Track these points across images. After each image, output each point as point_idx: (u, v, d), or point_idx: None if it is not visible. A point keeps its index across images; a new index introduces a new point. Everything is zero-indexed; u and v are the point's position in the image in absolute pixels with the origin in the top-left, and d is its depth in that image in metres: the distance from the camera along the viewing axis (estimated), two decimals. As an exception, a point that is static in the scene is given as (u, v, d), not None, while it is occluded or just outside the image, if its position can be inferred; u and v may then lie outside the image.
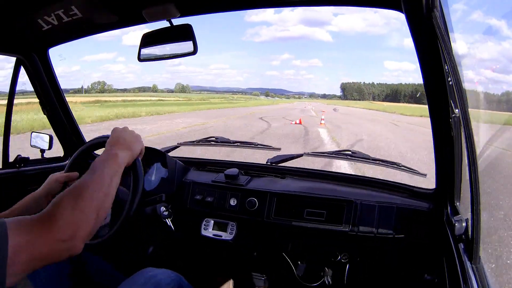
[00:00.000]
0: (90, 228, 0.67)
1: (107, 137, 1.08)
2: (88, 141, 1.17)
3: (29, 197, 1.03)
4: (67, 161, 1.15)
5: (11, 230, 0.58)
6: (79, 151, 1.17)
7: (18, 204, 1.01)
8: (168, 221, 1.39)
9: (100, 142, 1.11)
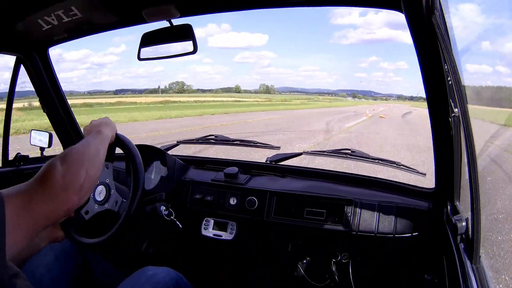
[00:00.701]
0: (80, 181, 0.72)
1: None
2: None
3: None
4: None
5: (6, 196, 0.60)
6: None
7: None
8: (174, 219, 1.38)
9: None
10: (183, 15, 1.19)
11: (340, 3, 1.12)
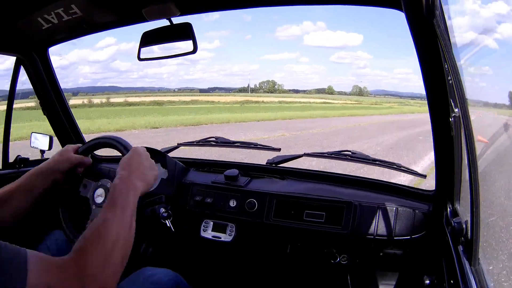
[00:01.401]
0: (119, 273, 0.66)
1: (120, 142, 1.05)
2: (104, 137, 1.12)
3: (34, 172, 0.98)
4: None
5: (33, 269, 0.54)
6: (99, 141, 1.12)
7: (25, 178, 0.97)
8: (168, 222, 1.38)
9: (113, 144, 1.07)
10: (183, 13, 1.19)
11: (340, 1, 1.12)
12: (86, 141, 1.66)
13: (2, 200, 0.92)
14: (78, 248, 0.63)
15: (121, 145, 1.05)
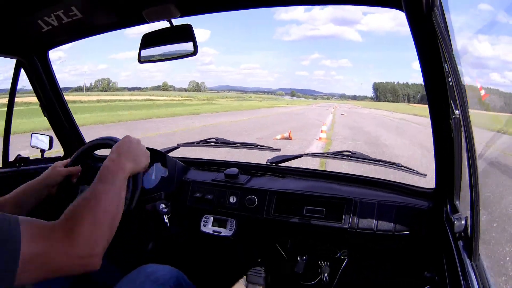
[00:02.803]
0: (107, 243, 0.68)
1: (110, 139, 1.08)
2: (93, 140, 1.17)
3: (27, 186, 1.01)
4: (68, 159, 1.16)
5: (25, 234, 0.56)
6: (84, 147, 1.17)
7: (15, 192, 0.99)
8: (165, 218, 1.40)
9: (105, 143, 1.11)
10: (183, 14, 1.19)
11: (338, 1, 1.12)
12: (86, 141, 1.67)
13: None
14: (67, 214, 0.65)
15: (111, 141, 1.08)
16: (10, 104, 1.60)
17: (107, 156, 0.89)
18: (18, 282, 0.54)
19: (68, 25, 1.24)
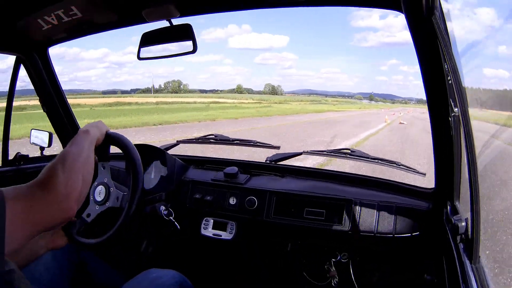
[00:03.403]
0: (79, 189, 0.74)
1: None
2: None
3: None
4: None
5: (8, 198, 0.61)
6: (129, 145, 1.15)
7: None
8: (172, 219, 1.38)
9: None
10: (183, 14, 1.19)
11: (340, 3, 1.12)
12: None
13: None
14: (44, 174, 0.71)
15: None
16: (10, 101, 1.61)
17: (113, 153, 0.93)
18: (9, 248, 0.58)
19: (68, 24, 1.25)
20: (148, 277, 1.03)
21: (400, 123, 19.84)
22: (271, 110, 32.01)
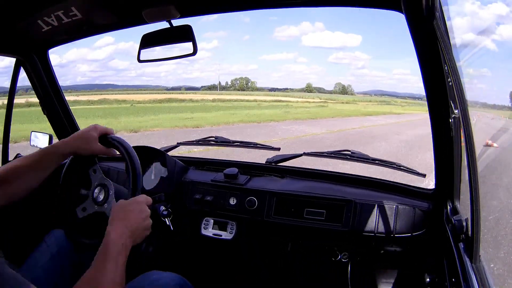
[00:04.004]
0: None
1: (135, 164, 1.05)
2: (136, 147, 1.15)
3: (48, 152, 1.03)
4: (67, 160, 1.15)
5: None
6: (128, 147, 1.11)
7: (37, 157, 1.01)
8: (167, 220, 1.38)
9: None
10: (183, 15, 1.19)
11: (340, 3, 1.12)
12: None
13: (16, 175, 0.98)
14: None
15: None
16: (10, 103, 1.60)
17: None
18: None
19: (68, 25, 1.25)
20: (149, 279, 1.04)
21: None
22: (323, 111, 27.61)
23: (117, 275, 0.75)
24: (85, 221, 1.07)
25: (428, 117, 0.99)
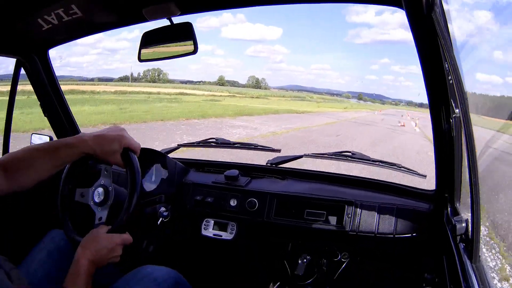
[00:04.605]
0: None
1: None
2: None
3: (64, 144, 0.97)
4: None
5: None
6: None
7: (50, 147, 0.97)
8: (161, 220, 1.39)
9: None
10: (183, 13, 1.19)
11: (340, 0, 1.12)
12: None
13: (28, 164, 0.94)
14: None
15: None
16: (11, 104, 1.61)
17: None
18: None
19: (68, 23, 1.25)
20: (142, 272, 1.04)
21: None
22: (208, 107, 23.52)
23: None
24: (85, 221, 1.07)
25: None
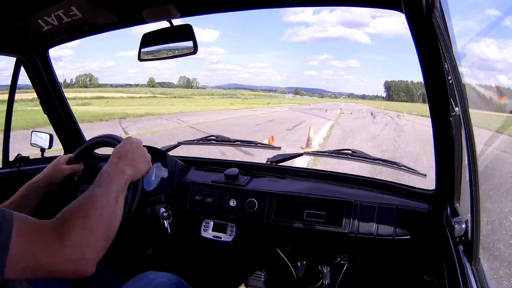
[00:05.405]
0: (102, 250, 0.64)
1: (112, 137, 1.08)
2: (95, 137, 1.16)
3: (29, 186, 1.01)
4: None
5: (17, 229, 0.55)
6: (86, 144, 1.17)
7: (17, 195, 0.99)
8: (166, 223, 1.38)
9: (107, 141, 1.10)
10: (183, 15, 1.19)
11: (339, 3, 1.12)
12: (86, 139, 1.67)
13: None
14: (60, 215, 0.62)
15: (113, 139, 1.07)
16: (10, 103, 1.61)
17: (108, 155, 0.88)
18: (5, 276, 0.53)
19: (68, 24, 1.25)
20: (145, 279, 1.04)
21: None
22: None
23: (111, 195, 0.71)
24: None
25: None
